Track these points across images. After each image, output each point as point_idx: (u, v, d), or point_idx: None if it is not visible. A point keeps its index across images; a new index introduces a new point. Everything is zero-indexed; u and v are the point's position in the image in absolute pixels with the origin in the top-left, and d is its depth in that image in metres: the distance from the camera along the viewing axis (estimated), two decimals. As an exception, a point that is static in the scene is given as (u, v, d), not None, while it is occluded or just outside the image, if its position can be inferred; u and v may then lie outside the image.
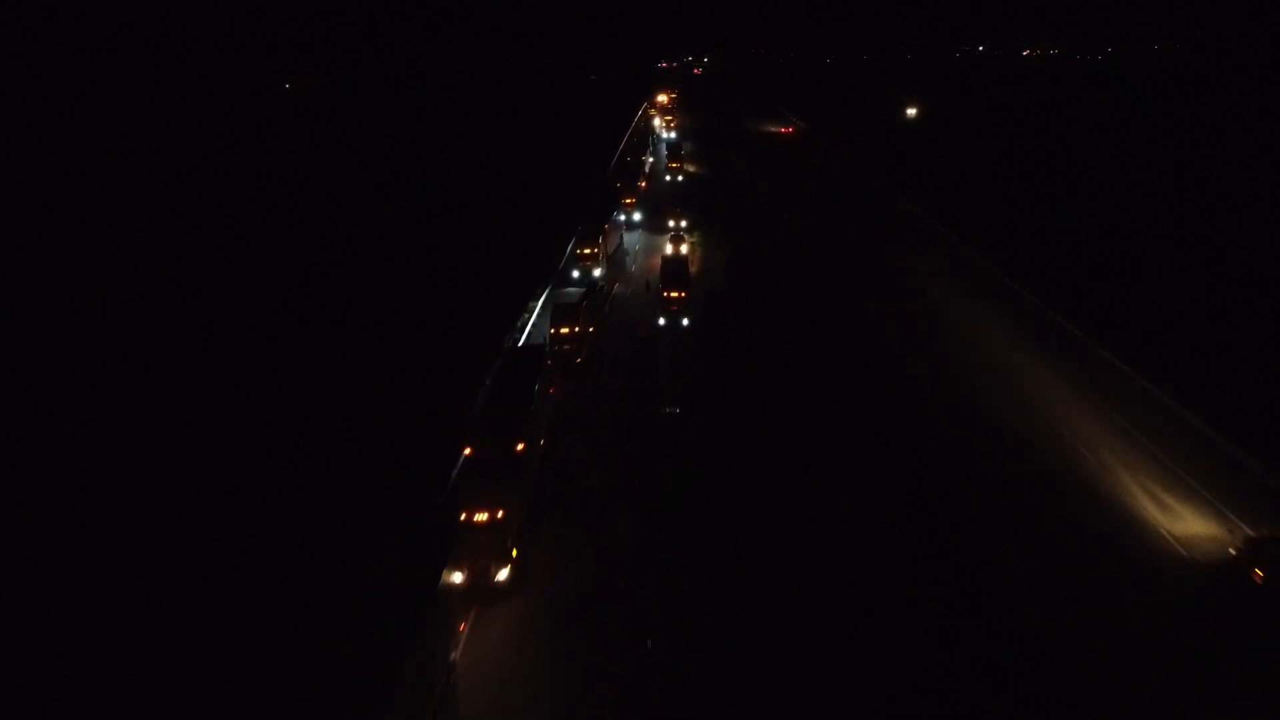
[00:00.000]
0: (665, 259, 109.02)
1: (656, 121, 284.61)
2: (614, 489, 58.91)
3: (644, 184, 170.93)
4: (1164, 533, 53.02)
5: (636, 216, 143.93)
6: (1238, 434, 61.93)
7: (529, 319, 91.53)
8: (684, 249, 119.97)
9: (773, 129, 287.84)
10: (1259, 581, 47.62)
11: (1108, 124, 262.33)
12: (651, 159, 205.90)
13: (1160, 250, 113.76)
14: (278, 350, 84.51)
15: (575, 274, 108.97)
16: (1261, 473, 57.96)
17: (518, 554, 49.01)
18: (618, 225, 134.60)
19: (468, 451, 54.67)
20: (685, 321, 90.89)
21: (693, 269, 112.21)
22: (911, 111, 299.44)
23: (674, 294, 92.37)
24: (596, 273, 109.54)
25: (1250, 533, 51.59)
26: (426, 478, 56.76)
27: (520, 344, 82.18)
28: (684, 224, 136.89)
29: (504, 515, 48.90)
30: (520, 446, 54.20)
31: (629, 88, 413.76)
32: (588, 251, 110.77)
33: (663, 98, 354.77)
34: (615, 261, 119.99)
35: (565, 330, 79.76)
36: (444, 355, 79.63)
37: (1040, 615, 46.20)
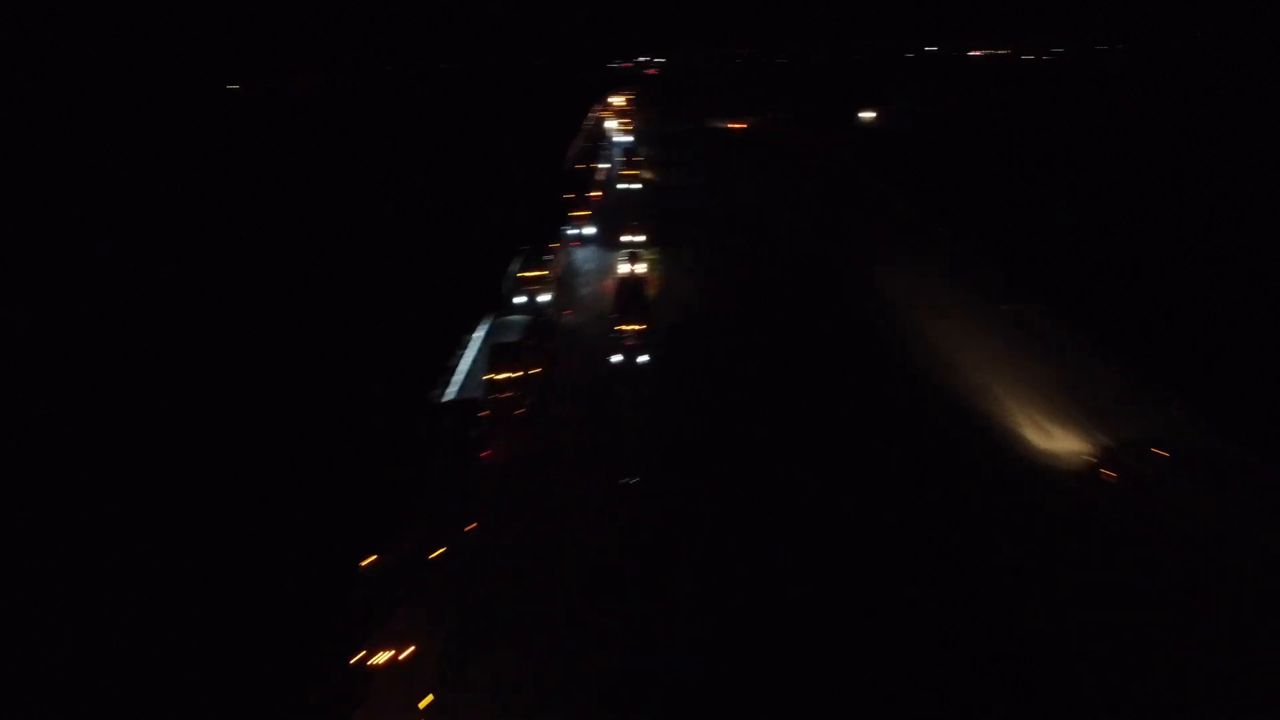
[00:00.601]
0: (619, 281, 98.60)
1: (610, 124, 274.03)
2: (569, 594, 47.99)
3: (596, 194, 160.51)
4: (1041, 448, 64.07)
5: (588, 231, 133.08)
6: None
7: (465, 358, 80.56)
8: (640, 268, 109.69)
9: (728, 125, 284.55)
10: (1110, 481, 58.65)
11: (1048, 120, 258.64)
12: (605, 165, 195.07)
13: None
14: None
15: (520, 300, 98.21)
16: (1118, 389, 72.46)
17: (432, 702, 38.30)
18: (567, 241, 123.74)
19: (372, 559, 43.92)
20: (643, 359, 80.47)
21: (651, 291, 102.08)
22: (869, 115, 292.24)
23: (628, 327, 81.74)
24: (544, 298, 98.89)
25: (1107, 443, 63.18)
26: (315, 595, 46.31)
27: (449, 397, 71.17)
28: (640, 239, 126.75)
29: (414, 651, 38.21)
30: (438, 551, 43.64)
31: (582, 89, 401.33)
32: (535, 274, 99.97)
33: (617, 99, 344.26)
34: (565, 284, 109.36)
35: (506, 375, 68.96)
36: (359, 410, 68.66)
37: (949, 521, 54.47)
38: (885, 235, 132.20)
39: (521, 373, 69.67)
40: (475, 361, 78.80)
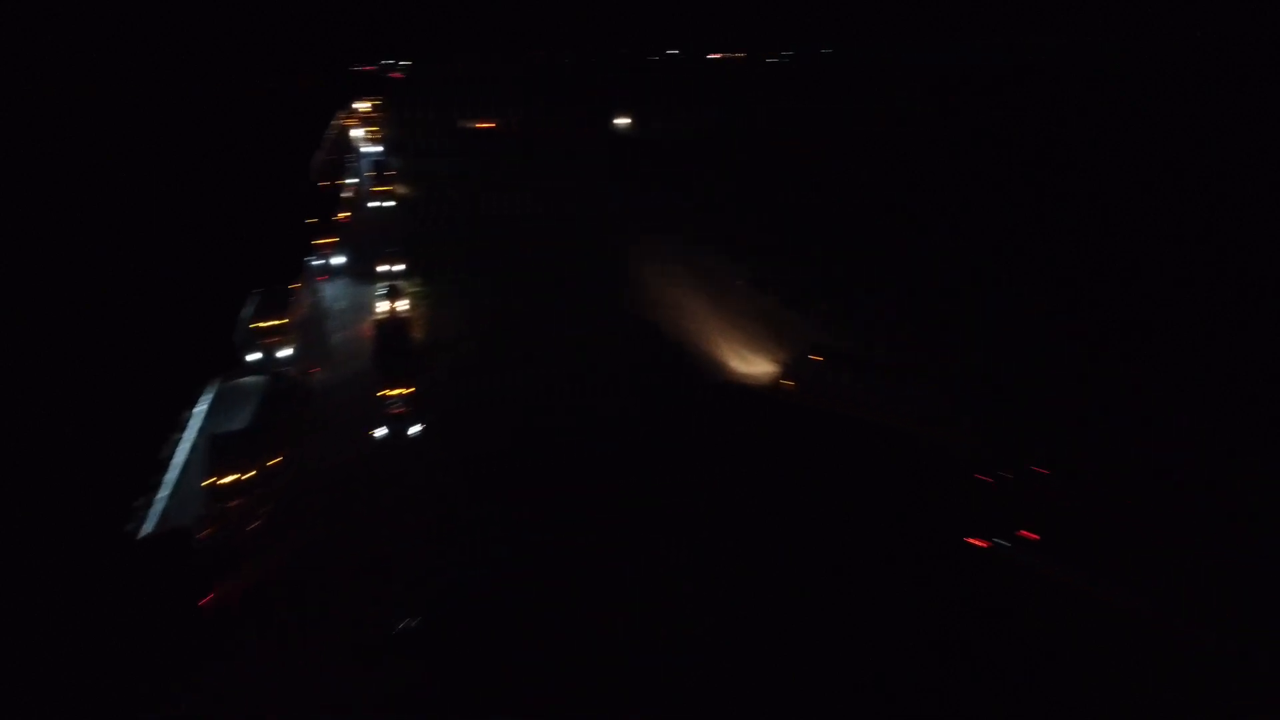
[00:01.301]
0: (378, 325, 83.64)
1: (357, 133, 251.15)
2: None
3: (345, 215, 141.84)
4: (745, 371, 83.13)
5: (337, 261, 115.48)
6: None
7: (176, 456, 61.94)
8: (402, 305, 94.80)
9: (477, 125, 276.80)
10: (790, 389, 75.97)
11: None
12: (354, 180, 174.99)
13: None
14: None
15: (254, 357, 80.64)
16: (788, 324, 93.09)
17: None
18: (312, 277, 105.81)
19: None
20: (415, 430, 66.58)
21: (417, 334, 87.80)
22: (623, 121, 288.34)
23: (391, 391, 67.50)
24: (285, 353, 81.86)
25: (784, 359, 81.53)
26: None
27: (145, 532, 52.72)
28: (399, 267, 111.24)
29: None
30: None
31: (321, 95, 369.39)
32: (271, 323, 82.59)
33: (364, 104, 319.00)
34: (310, 331, 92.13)
35: (232, 479, 52.96)
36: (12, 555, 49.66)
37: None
38: (637, 230, 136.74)
39: (255, 471, 54.04)
40: (191, 459, 60.52)
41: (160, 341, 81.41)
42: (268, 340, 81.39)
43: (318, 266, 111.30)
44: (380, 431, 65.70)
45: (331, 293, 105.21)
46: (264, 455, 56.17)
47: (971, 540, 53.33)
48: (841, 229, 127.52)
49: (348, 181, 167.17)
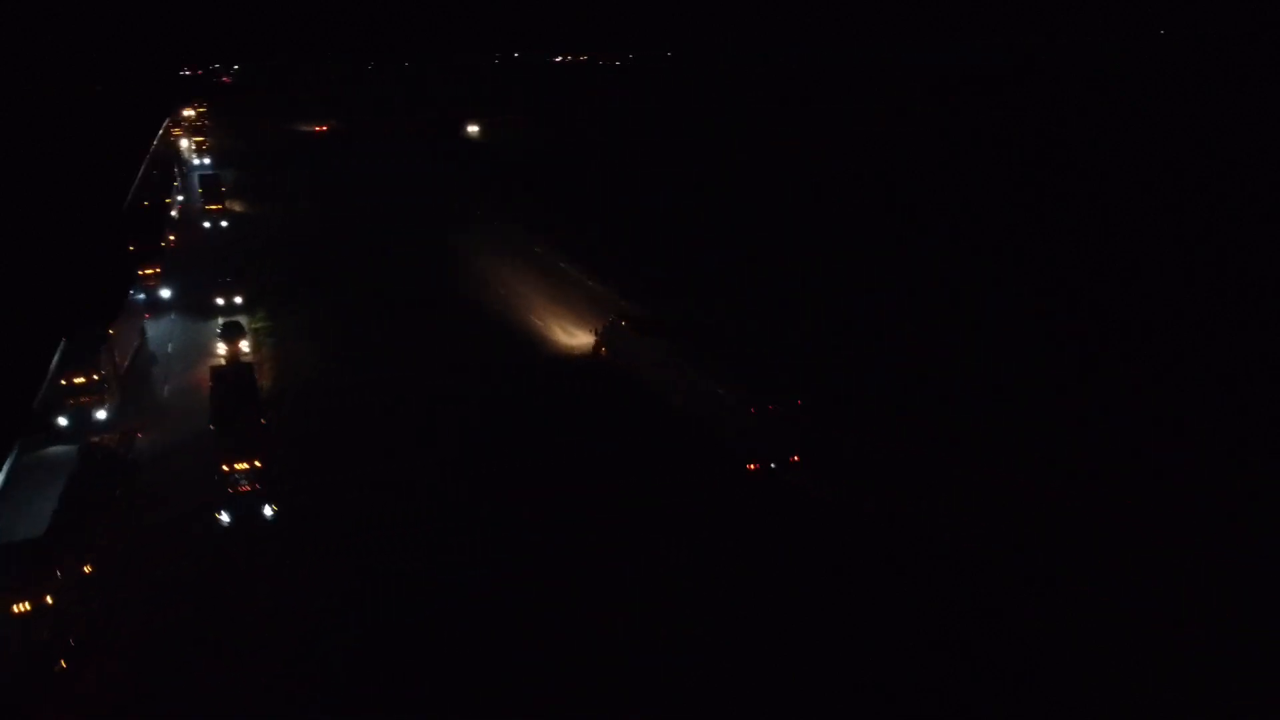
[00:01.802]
0: (216, 374, 71.68)
1: (185, 143, 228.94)
2: None
3: (172, 238, 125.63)
4: (568, 342, 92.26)
5: (165, 293, 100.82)
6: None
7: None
8: (244, 346, 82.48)
9: (313, 129, 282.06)
10: (603, 356, 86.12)
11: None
12: (181, 198, 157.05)
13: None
14: None
15: (61, 421, 67.12)
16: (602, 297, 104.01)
17: None
18: (134, 314, 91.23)
19: None
20: (270, 512, 55.58)
21: (265, 382, 75.96)
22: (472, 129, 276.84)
23: (239, 463, 56.10)
24: (100, 414, 68.56)
25: (599, 328, 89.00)
26: None
27: None
28: (238, 299, 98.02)
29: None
30: None
31: (143, 103, 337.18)
32: (81, 381, 69.03)
33: (190, 111, 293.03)
34: (136, 381, 78.43)
35: (22, 606, 41.12)
36: None
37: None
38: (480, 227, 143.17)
39: (57, 585, 42.45)
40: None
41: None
42: (79, 399, 68.11)
43: (142, 302, 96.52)
44: (225, 516, 54.35)
45: (158, 333, 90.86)
46: (70, 564, 44.50)
47: (750, 465, 64.53)
48: (644, 219, 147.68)
49: (175, 200, 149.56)
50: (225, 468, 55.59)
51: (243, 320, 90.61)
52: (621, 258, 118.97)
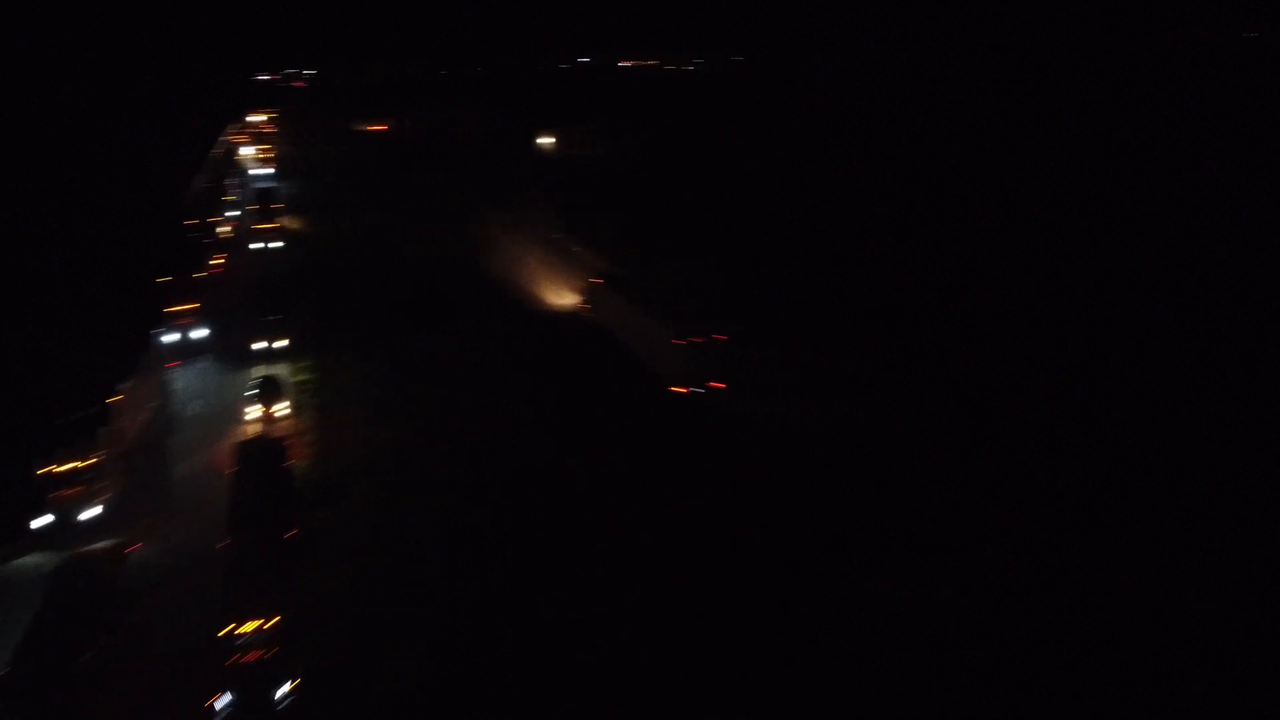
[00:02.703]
0: (240, 452, 56.75)
1: (247, 151, 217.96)
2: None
3: (219, 261, 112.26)
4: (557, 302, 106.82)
5: (199, 334, 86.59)
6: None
7: None
8: (280, 413, 67.49)
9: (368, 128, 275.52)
10: (586, 309, 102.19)
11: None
12: (234, 214, 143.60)
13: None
14: None
15: (41, 521, 52.80)
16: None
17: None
18: (159, 361, 77.05)
19: None
20: (282, 693, 39.41)
21: (299, 464, 60.56)
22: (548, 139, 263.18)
23: (242, 624, 40.25)
24: (90, 512, 54.00)
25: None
26: None
27: None
28: (282, 342, 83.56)
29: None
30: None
31: (212, 108, 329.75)
32: (67, 469, 54.51)
33: (257, 117, 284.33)
34: (146, 458, 63.49)
35: None
36: None
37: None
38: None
39: None
40: None
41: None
42: (64, 497, 53.70)
43: (169, 345, 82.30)
44: (223, 702, 38.56)
45: (186, 385, 76.63)
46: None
47: (676, 389, 76.91)
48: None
49: (225, 216, 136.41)
50: (228, 633, 39.72)
51: (284, 372, 76.23)
52: (612, 233, 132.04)
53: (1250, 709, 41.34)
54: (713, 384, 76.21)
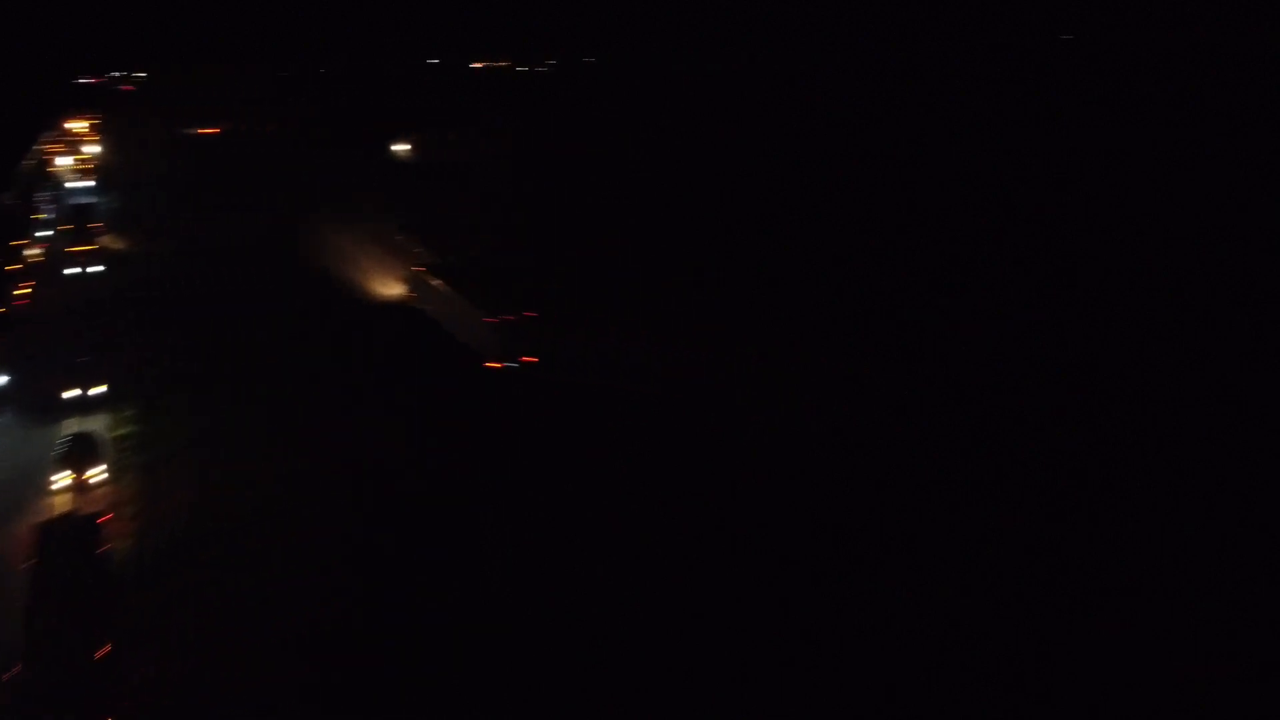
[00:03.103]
0: (41, 535, 46.20)
1: (63, 162, 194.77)
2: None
3: (25, 292, 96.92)
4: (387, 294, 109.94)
5: (-2, 382, 72.77)
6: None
7: None
8: (94, 480, 56.33)
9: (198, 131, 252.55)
10: (412, 298, 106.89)
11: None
12: (47, 234, 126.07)
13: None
14: None
15: None
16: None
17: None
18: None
19: None
20: None
21: (117, 545, 49.84)
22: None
23: None
24: None
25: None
26: None
27: None
28: (98, 389, 71.11)
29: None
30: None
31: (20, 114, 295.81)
32: None
33: (77, 124, 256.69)
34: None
35: None
36: None
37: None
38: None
39: None
40: None
41: None
42: None
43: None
44: None
45: (-22, 444, 63.62)
46: None
47: (490, 364, 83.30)
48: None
49: (36, 237, 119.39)
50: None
51: (101, 426, 64.49)
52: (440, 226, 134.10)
53: (1250, 709, 41.25)
54: (525, 358, 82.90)
